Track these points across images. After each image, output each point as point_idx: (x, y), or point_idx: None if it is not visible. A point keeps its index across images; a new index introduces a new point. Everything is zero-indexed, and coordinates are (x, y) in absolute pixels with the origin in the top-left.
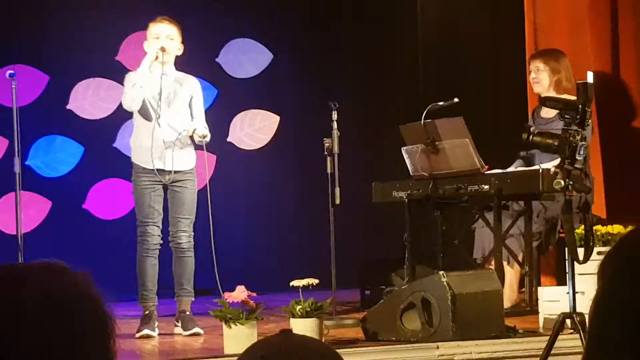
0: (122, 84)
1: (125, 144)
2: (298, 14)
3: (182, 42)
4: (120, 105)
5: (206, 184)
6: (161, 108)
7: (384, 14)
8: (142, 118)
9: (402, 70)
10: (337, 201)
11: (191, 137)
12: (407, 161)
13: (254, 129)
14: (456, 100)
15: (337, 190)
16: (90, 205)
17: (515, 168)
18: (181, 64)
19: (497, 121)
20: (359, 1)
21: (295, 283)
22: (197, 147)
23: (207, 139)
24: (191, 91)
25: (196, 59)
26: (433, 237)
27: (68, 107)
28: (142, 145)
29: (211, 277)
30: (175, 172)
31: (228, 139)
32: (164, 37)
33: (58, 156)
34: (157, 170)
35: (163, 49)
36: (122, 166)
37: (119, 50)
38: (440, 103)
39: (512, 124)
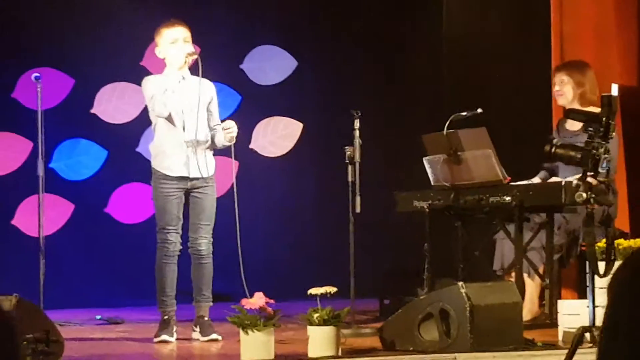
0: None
1: (147, 149)
2: (322, 22)
3: (195, 44)
4: (145, 110)
5: (230, 190)
6: (185, 114)
7: (408, 23)
8: (168, 123)
9: (425, 79)
10: (358, 210)
11: (212, 141)
12: (429, 171)
13: (277, 136)
14: (479, 110)
15: (358, 198)
16: (112, 209)
17: (539, 180)
18: (206, 70)
19: (520, 132)
20: (384, 10)
21: (314, 291)
22: (216, 153)
23: (233, 142)
24: (210, 94)
25: (221, 66)
26: (453, 248)
27: (92, 111)
28: (166, 151)
29: (230, 282)
30: (197, 178)
31: (251, 146)
32: (181, 41)
33: (81, 159)
34: (180, 177)
35: (193, 53)
36: (145, 171)
37: (144, 56)
38: (464, 113)
39: (536, 136)
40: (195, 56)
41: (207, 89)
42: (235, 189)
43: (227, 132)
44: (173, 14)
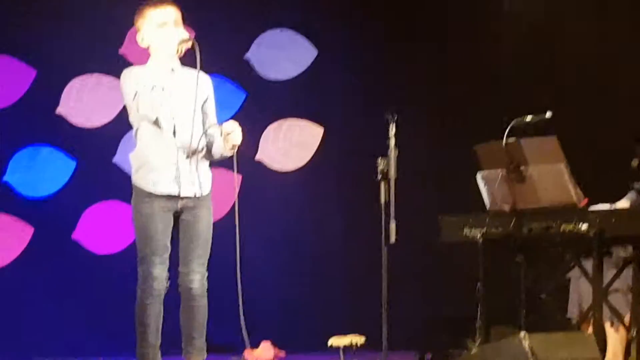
0: None
1: (127, 159)
2: (349, 2)
3: (189, 27)
4: (124, 110)
5: (231, 212)
6: (176, 116)
7: (456, 4)
8: (154, 127)
9: (480, 74)
10: (393, 239)
11: (209, 150)
12: (484, 191)
13: (291, 143)
14: (548, 114)
15: (393, 225)
16: (82, 234)
17: (625, 204)
18: (189, 58)
19: (601, 143)
20: None
21: (335, 341)
22: (213, 165)
23: (235, 150)
24: (206, 91)
25: (219, 54)
26: (514, 289)
27: (58, 110)
28: (151, 163)
29: (229, 328)
30: (190, 197)
31: (257, 157)
32: (171, 24)
33: (44, 172)
34: (169, 195)
35: (189, 39)
36: (123, 187)
37: (124, 41)
38: (528, 118)
39: (622, 147)
40: (190, 43)
41: (202, 84)
42: (237, 211)
43: (229, 138)
44: None
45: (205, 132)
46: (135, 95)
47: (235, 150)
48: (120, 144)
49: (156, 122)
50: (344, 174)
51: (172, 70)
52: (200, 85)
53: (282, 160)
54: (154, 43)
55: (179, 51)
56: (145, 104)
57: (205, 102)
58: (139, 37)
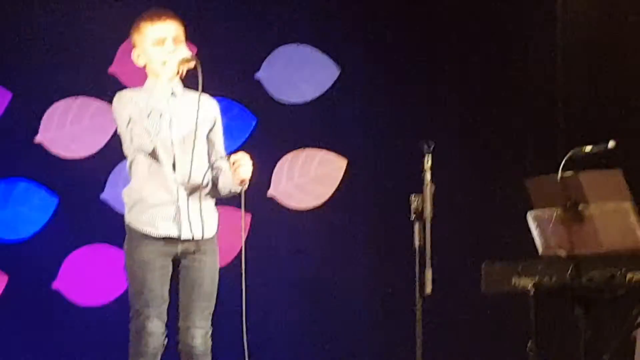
0: None
1: (118, 195)
2: (378, 12)
3: (191, 42)
4: (114, 137)
5: (237, 258)
6: (176, 147)
7: (505, 19)
8: (150, 162)
9: (529, 96)
10: (428, 290)
11: (214, 185)
12: (535, 233)
13: (309, 177)
14: (612, 144)
15: (429, 273)
16: (64, 283)
17: None
18: (192, 80)
19: None
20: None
21: None
22: (219, 202)
23: (245, 186)
24: (212, 118)
25: (226, 74)
26: (571, 348)
27: (37, 139)
28: (148, 200)
29: None
30: (192, 240)
31: (269, 193)
32: (170, 41)
33: (20, 210)
34: (167, 238)
35: (190, 59)
36: (113, 227)
37: (114, 59)
38: (588, 148)
39: None
40: (193, 63)
41: (208, 109)
42: (243, 256)
43: (237, 171)
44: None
45: (211, 165)
46: (129, 122)
47: (246, 186)
48: (109, 178)
49: (153, 154)
50: (370, 213)
51: (173, 93)
52: (205, 111)
53: (298, 197)
54: (151, 62)
55: (180, 72)
56: (140, 134)
57: (211, 130)
58: (134, 55)
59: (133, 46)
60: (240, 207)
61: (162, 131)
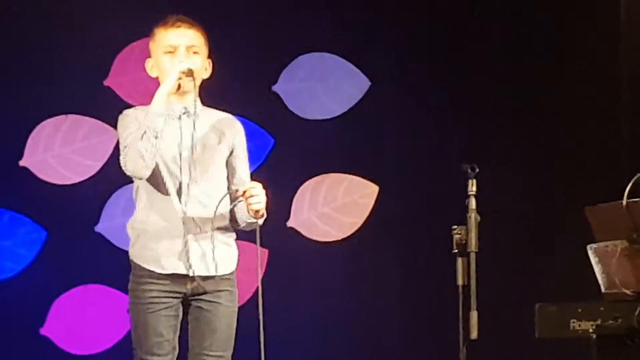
0: (115, 128)
1: (114, 227)
2: (415, 19)
3: (210, 57)
4: (110, 162)
5: (253, 298)
6: (184, 172)
7: (560, 25)
8: (154, 189)
9: (590, 115)
10: (474, 334)
11: (232, 215)
12: (597, 269)
13: (335, 205)
14: None
15: (474, 315)
16: (53, 329)
17: None
18: (209, 94)
19: None
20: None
21: None
22: (240, 236)
23: (264, 217)
24: (232, 141)
25: (238, 86)
26: None
27: (22, 163)
28: (152, 233)
29: None
30: (205, 277)
31: (289, 223)
32: (183, 50)
33: (3, 245)
34: (175, 275)
35: (190, 72)
36: (109, 265)
37: (110, 71)
38: None
39: None
40: (191, 79)
41: (227, 130)
42: (260, 297)
43: (251, 202)
44: (160, 6)
45: (231, 195)
46: (125, 147)
47: (263, 218)
48: (105, 207)
49: (155, 181)
50: (406, 247)
51: (185, 111)
52: (223, 133)
53: (323, 228)
54: (161, 73)
55: (182, 87)
56: (134, 158)
57: (231, 154)
58: (148, 65)
59: (149, 56)
60: (255, 242)
61: (164, 154)
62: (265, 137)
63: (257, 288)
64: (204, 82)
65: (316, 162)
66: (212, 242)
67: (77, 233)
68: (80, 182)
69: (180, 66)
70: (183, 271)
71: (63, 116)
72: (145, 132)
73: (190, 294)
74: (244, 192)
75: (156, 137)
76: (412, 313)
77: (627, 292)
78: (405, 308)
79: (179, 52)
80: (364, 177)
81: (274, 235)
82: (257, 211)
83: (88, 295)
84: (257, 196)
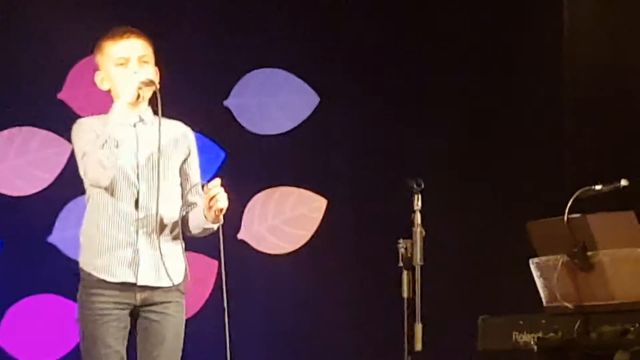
0: (69, 140)
1: (67, 238)
2: (360, 33)
3: (156, 65)
4: (64, 174)
5: (203, 308)
6: (141, 180)
7: (506, 37)
8: (109, 198)
9: (533, 131)
10: (418, 346)
11: (184, 222)
12: (539, 283)
13: (285, 218)
14: (623, 183)
15: (419, 328)
16: (6, 338)
17: None
18: (167, 109)
19: None
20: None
21: None
22: (190, 247)
23: (221, 222)
24: (186, 148)
25: (189, 101)
26: None
27: None
28: (103, 242)
29: None
30: (154, 288)
31: (240, 236)
32: (134, 61)
33: None
34: (124, 284)
35: (151, 82)
36: (61, 275)
37: (64, 84)
38: (597, 187)
39: None
40: (154, 88)
41: (180, 137)
42: (226, 306)
43: (216, 198)
44: (114, 19)
45: (186, 202)
46: (84, 156)
47: (221, 222)
48: (58, 218)
49: (110, 190)
50: (353, 260)
51: (140, 120)
52: (176, 140)
53: (272, 241)
54: (115, 85)
55: (141, 97)
56: (94, 166)
57: (185, 160)
58: (98, 78)
59: (97, 69)
60: (205, 253)
61: (123, 162)
62: (216, 151)
63: (207, 299)
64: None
65: (266, 176)
66: (161, 252)
67: (31, 243)
68: (33, 194)
69: (140, 77)
70: (132, 280)
71: (17, 128)
72: (106, 141)
73: (139, 304)
74: (210, 189)
75: (117, 147)
76: (359, 324)
77: (568, 305)
78: (353, 319)
79: (131, 63)
80: (313, 190)
81: (224, 247)
82: (220, 210)
83: (41, 305)
84: (218, 192)
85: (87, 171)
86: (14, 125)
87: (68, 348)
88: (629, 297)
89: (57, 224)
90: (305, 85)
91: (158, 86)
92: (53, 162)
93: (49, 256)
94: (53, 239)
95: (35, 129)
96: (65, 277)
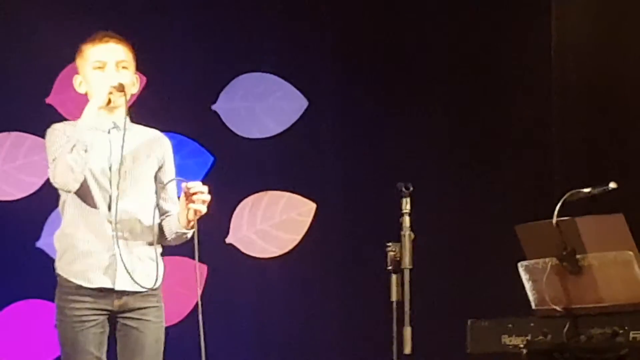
0: None
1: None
2: (349, 37)
3: (137, 71)
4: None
5: (191, 314)
6: (113, 185)
7: (494, 43)
8: (82, 203)
9: (522, 134)
10: (407, 349)
11: (160, 230)
12: (527, 286)
13: (273, 223)
14: (612, 185)
15: (408, 331)
16: None
17: None
18: (149, 111)
19: None
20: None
21: None
22: (168, 252)
23: (194, 229)
24: (161, 156)
25: (177, 105)
26: None
27: None
28: (79, 246)
29: None
30: (131, 293)
31: (228, 240)
32: (112, 65)
33: None
34: (101, 290)
35: (121, 87)
36: (50, 280)
37: (53, 88)
38: (586, 190)
39: None
40: (122, 94)
41: (155, 146)
42: (200, 315)
43: (194, 199)
44: (100, 23)
45: (161, 209)
46: (54, 160)
47: (194, 228)
48: (46, 223)
49: (81, 194)
50: (342, 264)
51: (115, 126)
52: (151, 148)
53: (261, 245)
54: (91, 89)
55: (112, 102)
56: (63, 171)
57: (160, 168)
58: (76, 81)
59: (77, 71)
60: (192, 256)
61: (94, 167)
62: (204, 155)
63: (197, 303)
64: (137, 98)
65: (255, 180)
66: (139, 257)
67: (19, 248)
68: (22, 198)
69: (111, 81)
70: (109, 285)
71: (6, 133)
72: (74, 145)
73: (117, 310)
74: (190, 188)
75: (85, 151)
76: (348, 328)
77: (557, 308)
78: (342, 323)
79: (108, 68)
80: (301, 194)
81: (212, 251)
82: (194, 214)
83: (29, 310)
84: (199, 191)
85: (56, 175)
86: (3, 131)
87: (56, 353)
88: (617, 299)
89: (45, 228)
90: (294, 89)
91: (129, 92)
92: (41, 167)
93: (37, 261)
94: (41, 243)
95: (24, 134)
96: (53, 281)
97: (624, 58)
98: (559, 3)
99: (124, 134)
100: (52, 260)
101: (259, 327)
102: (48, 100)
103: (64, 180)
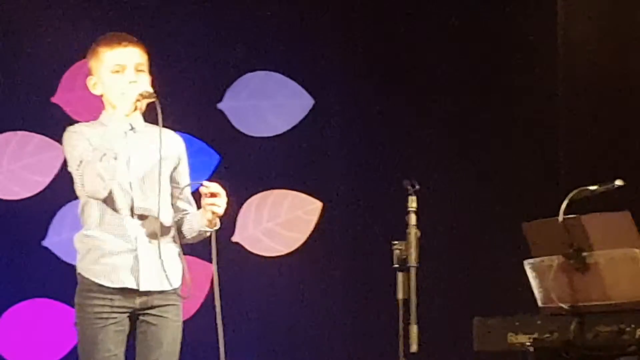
0: (61, 144)
1: (62, 242)
2: (355, 35)
3: (150, 69)
4: (58, 179)
5: (199, 311)
6: (134, 188)
7: (502, 44)
8: (105, 206)
9: (529, 132)
10: (414, 347)
11: (179, 230)
12: (534, 283)
13: (279, 221)
14: (618, 183)
15: (415, 329)
16: (1, 343)
17: None
18: (155, 111)
19: None
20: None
21: None
22: (184, 251)
23: (217, 227)
24: (176, 155)
25: (183, 104)
26: None
27: None
28: (102, 247)
29: None
30: (153, 292)
31: (234, 238)
32: (131, 69)
33: None
34: (123, 289)
35: (150, 95)
36: (56, 279)
37: (58, 87)
38: (592, 187)
39: None
40: (153, 99)
41: (171, 146)
42: (219, 309)
43: (212, 202)
44: (108, 22)
45: (177, 208)
46: (80, 164)
47: (217, 225)
48: (52, 221)
49: (108, 200)
50: (348, 262)
51: (132, 128)
52: (167, 148)
53: (267, 244)
54: (109, 92)
55: (137, 108)
56: (93, 180)
57: (175, 168)
58: (90, 82)
59: (89, 73)
60: (200, 256)
61: (119, 174)
62: (210, 154)
63: (202, 302)
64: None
65: (261, 179)
66: (160, 257)
67: (25, 247)
68: (28, 197)
69: (139, 89)
70: (133, 285)
71: (12, 132)
72: (105, 154)
73: (139, 308)
74: (209, 191)
75: (115, 159)
76: (354, 326)
77: (563, 306)
78: (348, 321)
79: (127, 71)
80: (307, 193)
81: (219, 250)
82: (215, 214)
83: (36, 309)
84: (216, 193)
85: (85, 183)
86: (9, 130)
87: (63, 352)
88: (624, 297)
89: (51, 227)
90: (300, 87)
91: (155, 99)
92: (48, 167)
93: (43, 260)
94: (47, 242)
95: (30, 134)
96: (59, 280)
97: (630, 55)
98: (566, 1)
99: (140, 137)
100: (59, 259)
101: (265, 325)
102: (53, 100)
103: (94, 188)
